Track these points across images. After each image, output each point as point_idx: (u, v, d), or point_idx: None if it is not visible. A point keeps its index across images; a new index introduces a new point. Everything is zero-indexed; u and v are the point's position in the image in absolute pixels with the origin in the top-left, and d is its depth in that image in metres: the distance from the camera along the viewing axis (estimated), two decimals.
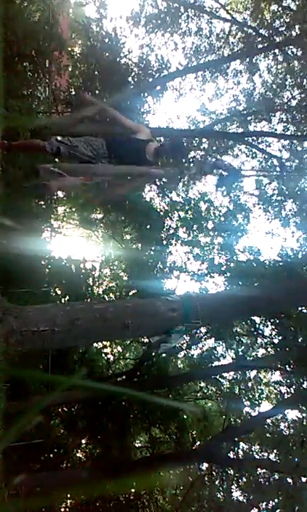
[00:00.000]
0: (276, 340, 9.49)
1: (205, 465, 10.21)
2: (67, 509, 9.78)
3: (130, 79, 9.46)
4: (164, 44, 11.13)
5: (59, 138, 3.60)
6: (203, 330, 10.04)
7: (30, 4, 9.62)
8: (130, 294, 9.97)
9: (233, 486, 9.81)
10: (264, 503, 9.26)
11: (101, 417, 10.01)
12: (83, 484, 8.21)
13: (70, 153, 3.50)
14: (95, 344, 10.66)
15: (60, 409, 10.38)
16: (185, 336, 8.82)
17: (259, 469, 9.11)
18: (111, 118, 4.01)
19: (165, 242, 9.94)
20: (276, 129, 11.44)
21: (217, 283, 9.75)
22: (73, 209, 12.11)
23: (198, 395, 11.58)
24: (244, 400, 10.73)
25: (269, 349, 9.98)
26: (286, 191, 10.59)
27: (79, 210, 11.78)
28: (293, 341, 8.74)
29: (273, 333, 9.43)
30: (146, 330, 4.83)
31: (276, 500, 8.99)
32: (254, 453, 10.23)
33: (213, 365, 10.86)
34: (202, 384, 11.47)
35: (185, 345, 10.63)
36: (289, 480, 8.80)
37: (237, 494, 9.84)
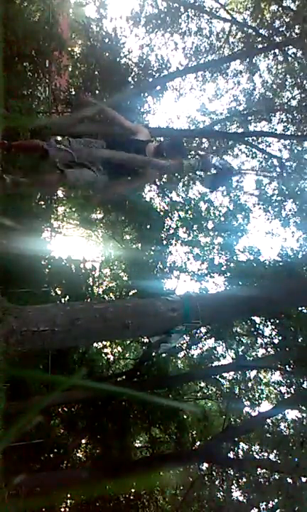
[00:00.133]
0: (276, 341, 9.49)
1: (205, 465, 10.21)
2: (67, 509, 9.78)
3: (130, 79, 9.46)
4: (164, 44, 11.14)
5: (58, 138, 3.60)
6: (203, 330, 10.04)
7: (30, 4, 9.62)
8: (130, 294, 9.97)
9: (233, 486, 9.81)
10: (264, 503, 9.26)
11: (101, 417, 10.01)
12: (83, 484, 8.21)
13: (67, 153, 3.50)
14: (95, 344, 10.66)
15: (60, 409, 10.38)
16: (185, 335, 8.82)
17: (259, 469, 9.11)
18: (111, 119, 4.01)
19: (165, 242, 9.94)
20: (276, 129, 11.44)
21: (217, 283, 9.76)
22: (73, 209, 12.11)
23: (198, 395, 11.58)
24: (244, 400, 10.73)
25: (269, 349, 9.98)
26: (286, 191, 10.59)
27: (79, 210, 11.78)
28: (293, 341, 8.74)
29: (273, 333, 9.43)
30: (146, 330, 4.83)
31: (276, 500, 9.00)
32: (254, 453, 10.23)
33: (213, 365, 10.86)
34: (202, 384, 11.47)
35: (185, 345, 10.63)
36: (289, 480, 8.81)
37: (237, 494, 9.85)
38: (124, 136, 3.90)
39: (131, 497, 9.89)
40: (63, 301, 9.23)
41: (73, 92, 9.67)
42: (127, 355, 12.36)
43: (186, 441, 10.53)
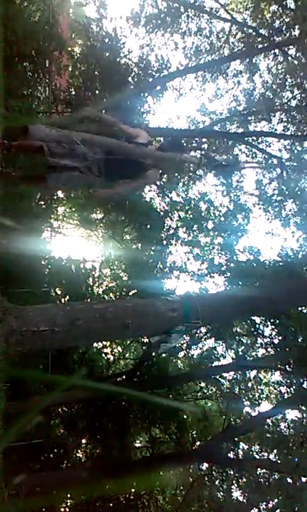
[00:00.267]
0: (276, 341, 9.49)
1: (205, 465, 10.22)
2: (67, 509, 9.78)
3: (130, 79, 9.46)
4: (164, 44, 11.14)
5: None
6: (203, 330, 10.04)
7: (30, 4, 9.62)
8: (130, 294, 9.97)
9: (233, 486, 9.82)
10: (264, 503, 9.27)
11: (101, 417, 10.01)
12: (83, 484, 8.21)
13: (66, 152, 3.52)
14: (95, 344, 10.66)
15: (60, 409, 10.38)
16: (185, 335, 8.82)
17: (259, 469, 9.11)
18: (111, 127, 4.00)
19: (165, 242, 9.93)
20: (276, 129, 11.43)
21: (217, 283, 9.76)
22: (73, 209, 12.11)
23: (198, 395, 11.58)
24: (244, 400, 10.73)
25: (269, 349, 9.97)
26: (286, 191, 10.58)
27: (79, 210, 11.78)
28: (293, 341, 8.74)
29: (273, 333, 9.42)
30: (146, 330, 4.83)
31: (276, 500, 9.00)
32: (254, 453, 10.23)
33: (213, 365, 10.86)
34: (202, 384, 11.47)
35: (185, 345, 10.62)
36: (289, 480, 8.81)
37: (237, 494, 9.85)
38: (124, 139, 3.90)
39: (131, 497, 9.89)
40: (63, 301, 9.24)
41: (73, 92, 9.68)
42: (127, 355, 12.36)
43: (186, 441, 10.54)
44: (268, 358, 10.05)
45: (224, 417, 10.23)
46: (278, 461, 9.50)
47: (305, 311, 8.73)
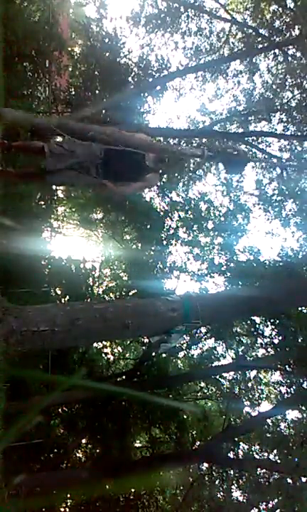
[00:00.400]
0: (276, 341, 9.49)
1: (205, 465, 10.21)
2: (67, 509, 9.78)
3: (130, 79, 9.47)
4: (164, 44, 11.13)
5: (58, 139, 3.62)
6: (203, 330, 10.04)
7: (30, 4, 9.63)
8: (130, 294, 9.97)
9: (233, 486, 9.81)
10: (264, 503, 9.27)
11: (101, 417, 10.01)
12: (83, 484, 8.21)
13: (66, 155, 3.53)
14: (95, 344, 10.66)
15: (60, 409, 10.38)
16: (185, 335, 8.82)
17: (259, 469, 9.11)
18: (116, 141, 3.98)
19: (165, 242, 9.94)
20: (276, 129, 11.43)
21: (217, 283, 9.76)
22: (73, 209, 12.12)
23: (198, 395, 11.58)
24: (244, 400, 10.73)
25: (269, 349, 9.97)
26: (286, 191, 10.58)
27: (79, 210, 11.79)
28: (293, 341, 8.74)
29: (273, 333, 9.42)
30: (146, 330, 4.83)
31: (276, 500, 8.99)
32: (254, 453, 10.23)
33: (213, 365, 10.86)
34: (202, 384, 11.47)
35: (185, 345, 10.62)
36: (289, 480, 8.80)
37: (237, 494, 9.85)
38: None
39: (131, 497, 9.90)
40: (63, 301, 9.24)
41: (73, 92, 9.68)
42: (127, 355, 12.36)
43: (186, 441, 10.53)
44: (268, 358, 10.05)
45: (224, 417, 10.23)
46: (278, 461, 9.50)
47: (305, 311, 8.73)
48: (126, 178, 3.73)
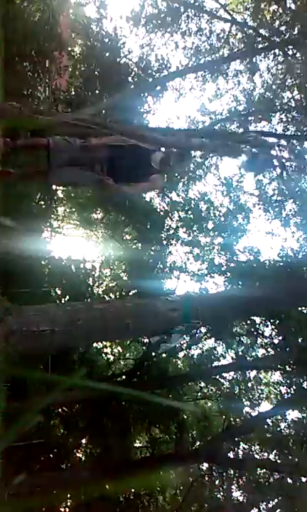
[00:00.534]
0: (276, 341, 9.49)
1: (205, 465, 10.21)
2: (67, 509, 9.78)
3: (130, 79, 9.47)
4: (164, 44, 11.13)
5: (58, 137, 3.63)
6: (203, 330, 10.04)
7: (30, 4, 9.63)
8: (130, 294, 9.97)
9: (233, 486, 9.82)
10: (264, 503, 9.27)
11: (101, 417, 10.01)
12: (83, 484, 8.21)
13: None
14: (95, 344, 10.65)
15: (60, 409, 10.38)
16: (185, 335, 8.82)
17: (258, 469, 9.11)
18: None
19: (165, 242, 9.94)
20: (276, 129, 11.43)
21: (217, 283, 9.76)
22: (73, 209, 12.11)
23: (198, 395, 11.58)
24: (244, 400, 10.73)
25: (269, 349, 9.97)
26: (286, 191, 10.57)
27: (79, 210, 11.79)
28: (293, 341, 8.74)
29: (273, 333, 9.42)
30: (146, 330, 4.83)
31: (276, 500, 9.00)
32: (254, 453, 10.23)
33: (213, 365, 10.86)
34: (202, 384, 11.47)
35: (185, 345, 10.63)
36: (289, 480, 8.81)
37: (237, 494, 9.85)
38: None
39: (131, 497, 9.89)
40: (63, 301, 9.24)
41: (73, 92, 9.68)
42: (127, 355, 12.36)
43: (186, 441, 10.53)
44: (268, 358, 10.05)
45: (224, 417, 10.23)
46: (278, 461, 9.50)
47: (305, 311, 8.73)
48: (131, 176, 3.73)
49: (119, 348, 12.17)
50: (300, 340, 8.74)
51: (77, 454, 11.36)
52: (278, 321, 9.02)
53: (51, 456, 10.18)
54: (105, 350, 11.79)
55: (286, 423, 10.13)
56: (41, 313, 3.95)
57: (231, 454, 9.84)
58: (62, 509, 9.64)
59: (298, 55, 10.32)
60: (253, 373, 10.88)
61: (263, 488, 8.99)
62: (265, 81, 11.49)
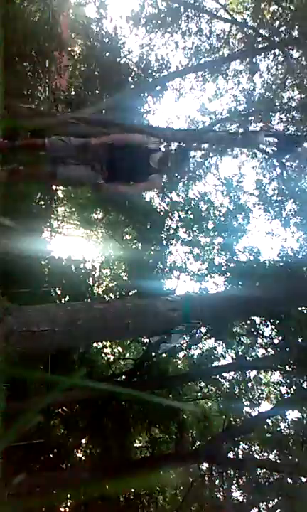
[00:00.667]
0: (276, 341, 9.49)
1: (205, 465, 10.22)
2: (67, 509, 9.78)
3: (130, 79, 9.47)
4: (164, 44, 11.12)
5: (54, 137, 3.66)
6: (203, 330, 10.04)
7: (30, 4, 9.62)
8: (130, 294, 9.97)
9: (233, 486, 9.82)
10: (264, 503, 9.27)
11: (101, 417, 10.01)
12: (83, 484, 8.21)
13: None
14: (95, 344, 10.66)
15: (60, 409, 10.38)
16: (185, 335, 8.82)
17: (259, 469, 9.11)
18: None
19: (165, 242, 9.93)
20: (276, 130, 11.41)
21: (217, 283, 9.75)
22: (73, 209, 12.11)
23: (198, 395, 11.58)
24: (244, 400, 10.73)
25: (269, 349, 9.97)
26: (286, 191, 10.57)
27: (79, 210, 11.78)
28: (293, 341, 8.74)
29: (274, 333, 9.42)
30: (146, 330, 4.84)
31: (276, 500, 9.00)
32: (254, 453, 10.23)
33: (213, 365, 10.86)
34: (202, 384, 11.47)
35: (185, 345, 10.63)
36: (289, 480, 8.81)
37: (237, 494, 9.85)
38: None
39: (131, 497, 9.90)
40: (63, 301, 9.24)
41: (73, 92, 9.68)
42: (127, 355, 12.35)
43: (186, 441, 10.53)
44: (268, 358, 10.05)
45: (224, 417, 10.23)
46: (278, 461, 9.50)
47: (305, 311, 8.73)
48: (130, 176, 3.74)
49: (119, 348, 12.17)
50: (300, 340, 8.74)
51: (77, 454, 11.36)
52: (278, 321, 9.02)
53: (51, 456, 10.19)
54: (105, 350, 11.79)
55: (286, 423, 10.14)
56: (41, 313, 3.95)
57: (231, 454, 9.84)
58: (62, 509, 9.64)
59: (298, 55, 10.32)
60: (253, 373, 10.88)
61: (263, 488, 8.99)
62: (265, 81, 11.49)
